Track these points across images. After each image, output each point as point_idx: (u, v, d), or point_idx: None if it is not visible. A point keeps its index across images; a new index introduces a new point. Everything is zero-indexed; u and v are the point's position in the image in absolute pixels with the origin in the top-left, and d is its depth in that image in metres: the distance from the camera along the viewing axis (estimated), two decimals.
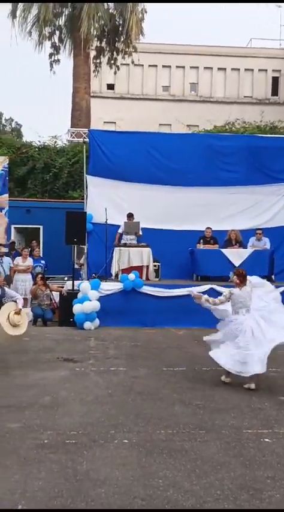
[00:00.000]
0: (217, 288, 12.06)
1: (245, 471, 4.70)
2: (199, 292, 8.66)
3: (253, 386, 7.48)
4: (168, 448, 5.19)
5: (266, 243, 14.33)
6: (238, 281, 7.98)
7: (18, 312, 8.71)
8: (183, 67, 35.73)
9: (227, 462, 4.89)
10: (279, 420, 6.14)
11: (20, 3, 22.52)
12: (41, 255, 15.44)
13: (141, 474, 4.59)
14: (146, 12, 23.66)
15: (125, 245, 13.72)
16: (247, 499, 4.19)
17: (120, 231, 14.06)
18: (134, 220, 13.94)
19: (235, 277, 8.10)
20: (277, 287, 12.98)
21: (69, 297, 12.55)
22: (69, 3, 22.62)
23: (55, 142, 20.37)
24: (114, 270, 13.44)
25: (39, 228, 17.03)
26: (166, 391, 7.17)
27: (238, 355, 7.47)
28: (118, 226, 14.05)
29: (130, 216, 14.01)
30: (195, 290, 8.24)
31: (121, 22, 23.19)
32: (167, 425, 5.83)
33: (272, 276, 14.02)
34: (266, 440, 5.49)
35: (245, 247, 14.15)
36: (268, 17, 62.07)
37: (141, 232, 13.91)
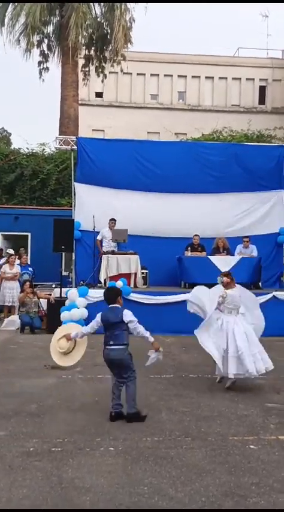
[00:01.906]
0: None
1: (231, 478, 4.71)
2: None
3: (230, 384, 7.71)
4: (153, 455, 5.19)
5: (253, 251, 14.43)
6: (228, 280, 8.06)
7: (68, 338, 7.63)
8: (171, 76, 35.92)
9: (212, 469, 4.90)
10: (265, 427, 6.17)
11: (8, 11, 22.56)
12: (29, 262, 15.41)
13: (127, 481, 4.59)
14: (134, 21, 23.80)
15: (113, 252, 13.75)
16: (231, 505, 4.20)
17: (99, 237, 14.08)
18: (117, 226, 14.00)
19: (224, 278, 8.15)
20: (264, 294, 13.18)
21: (57, 305, 12.53)
22: (57, 12, 22.70)
23: (43, 149, 20.40)
24: (102, 277, 13.46)
25: (27, 235, 17.00)
26: (153, 398, 7.18)
27: (234, 356, 7.62)
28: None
29: (112, 220, 14.07)
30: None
31: (109, 31, 23.31)
32: (153, 433, 5.83)
33: (260, 283, 14.13)
34: (252, 447, 5.51)
35: (232, 254, 14.24)
36: (255, 27, 62.67)
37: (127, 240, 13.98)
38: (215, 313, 7.98)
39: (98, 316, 6.56)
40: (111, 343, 6.34)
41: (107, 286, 12.84)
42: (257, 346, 7.90)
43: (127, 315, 6.38)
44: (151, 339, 6.47)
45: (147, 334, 6.46)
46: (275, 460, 5.15)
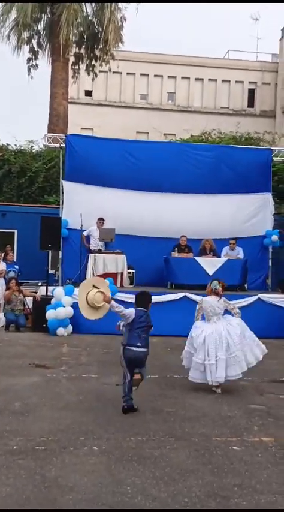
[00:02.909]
0: (190, 296, 12.15)
1: (214, 479, 4.74)
2: None
3: (219, 391, 7.70)
4: (137, 455, 5.20)
5: (239, 253, 14.50)
6: (220, 291, 8.11)
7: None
8: (161, 76, 35.97)
9: (195, 470, 4.92)
10: (248, 428, 6.21)
11: None
12: (15, 259, 15.33)
13: (110, 481, 4.59)
14: (125, 20, 23.83)
15: (100, 251, 13.75)
16: (214, 506, 4.22)
17: (86, 233, 14.07)
18: (104, 226, 14.00)
19: (221, 288, 8.19)
20: (249, 296, 13.26)
21: (43, 303, 12.49)
22: (48, 9, 22.62)
23: (31, 146, 20.32)
24: (88, 276, 13.43)
25: (14, 232, 16.91)
26: (137, 398, 7.16)
27: (201, 364, 7.69)
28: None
29: (101, 220, 14.07)
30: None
31: (100, 29, 23.28)
32: (137, 433, 5.84)
33: (245, 285, 14.20)
34: (235, 448, 5.54)
35: (219, 256, 14.30)
36: (245, 30, 62.88)
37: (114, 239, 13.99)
38: (195, 327, 8.04)
39: (133, 312, 6.77)
40: (139, 344, 6.65)
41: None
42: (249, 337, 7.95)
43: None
44: None
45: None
46: (258, 462, 5.19)
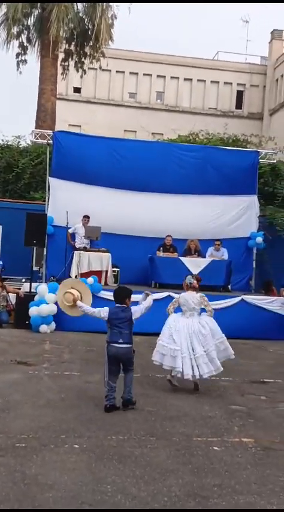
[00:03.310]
0: (174, 296, 12.14)
1: (193, 478, 4.76)
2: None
3: (175, 382, 7.80)
4: (118, 454, 5.21)
5: (224, 254, 14.58)
6: (196, 285, 8.15)
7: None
8: (150, 75, 35.96)
9: (176, 469, 4.94)
10: (229, 429, 6.24)
11: None
12: None
13: (90, 479, 4.59)
14: (116, 18, 23.78)
15: (85, 249, 13.73)
16: (193, 506, 4.24)
17: (71, 231, 14.04)
18: (90, 223, 13.98)
19: (195, 281, 8.23)
20: (233, 297, 13.34)
21: (26, 299, 12.44)
22: (39, 4, 22.50)
23: (18, 142, 20.17)
24: (73, 273, 13.42)
25: None
26: (119, 397, 7.18)
27: (168, 349, 7.71)
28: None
29: (86, 217, 14.05)
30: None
31: (90, 26, 23.22)
32: (118, 431, 5.85)
33: (229, 286, 14.28)
34: (215, 448, 5.57)
35: (203, 256, 14.35)
36: (235, 32, 63.18)
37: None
38: (171, 317, 8.07)
39: (105, 311, 6.91)
40: (121, 341, 6.74)
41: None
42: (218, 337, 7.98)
43: (133, 310, 6.90)
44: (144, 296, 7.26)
45: (142, 304, 7.12)
46: (237, 462, 5.22)
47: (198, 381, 7.87)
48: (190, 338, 7.80)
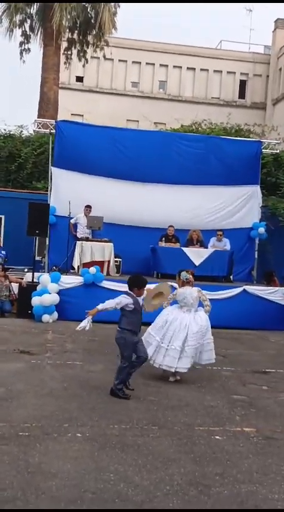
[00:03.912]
0: (176, 286, 12.16)
1: (195, 467, 4.80)
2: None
3: (178, 377, 7.79)
4: (120, 442, 5.25)
5: (226, 244, 14.57)
6: (191, 280, 8.13)
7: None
8: (153, 64, 35.81)
9: (178, 458, 4.98)
10: (230, 418, 6.28)
11: None
12: (2, 245, 15.26)
13: (93, 468, 4.64)
14: (119, 6, 23.65)
15: (87, 239, 13.73)
16: (195, 494, 4.28)
17: (73, 221, 14.04)
18: (92, 213, 13.98)
19: (191, 276, 8.22)
20: (235, 287, 13.36)
21: (29, 289, 12.47)
22: None
23: (21, 131, 20.11)
24: (75, 263, 13.44)
25: (1, 217, 16.80)
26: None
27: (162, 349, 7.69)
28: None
29: (88, 207, 14.04)
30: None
31: (93, 15, 23.09)
32: (120, 420, 5.89)
33: (231, 277, 14.29)
34: (217, 437, 5.61)
35: (206, 247, 14.36)
36: (238, 20, 62.66)
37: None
38: (166, 309, 8.09)
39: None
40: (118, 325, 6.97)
41: (80, 272, 12.86)
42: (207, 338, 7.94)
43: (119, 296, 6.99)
44: (98, 306, 7.11)
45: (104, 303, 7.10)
46: (239, 451, 5.26)
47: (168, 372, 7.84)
48: (176, 331, 7.76)
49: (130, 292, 7.00)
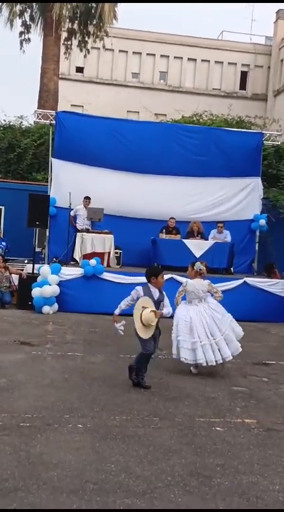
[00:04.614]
0: (177, 278, 12.18)
1: (196, 458, 4.81)
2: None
3: (196, 371, 7.84)
4: (121, 433, 5.25)
5: (227, 236, 14.55)
6: (204, 271, 8.14)
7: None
8: (154, 55, 35.64)
9: (179, 449, 4.99)
10: (231, 410, 6.29)
11: None
12: (2, 236, 15.25)
13: (94, 459, 4.64)
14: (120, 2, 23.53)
15: (87, 231, 13.71)
16: (196, 485, 4.29)
17: (72, 213, 14.00)
18: (92, 205, 13.95)
19: (204, 268, 8.22)
20: (235, 279, 13.35)
21: (29, 280, 12.47)
22: None
23: (21, 122, 20.05)
24: (76, 255, 13.44)
25: (1, 208, 16.78)
26: (122, 377, 7.23)
27: (188, 343, 7.69)
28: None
29: (87, 198, 14.01)
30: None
31: (94, 5, 22.95)
32: (122, 411, 5.89)
33: (231, 269, 14.28)
34: (218, 429, 5.61)
35: (206, 239, 14.34)
36: (240, 11, 62.40)
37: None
38: (180, 310, 8.04)
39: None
40: None
41: (80, 264, 12.85)
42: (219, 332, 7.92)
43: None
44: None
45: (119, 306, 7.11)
46: (240, 443, 5.26)
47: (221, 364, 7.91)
48: (207, 324, 7.79)
49: (147, 283, 7.02)
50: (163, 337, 7.60)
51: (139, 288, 6.97)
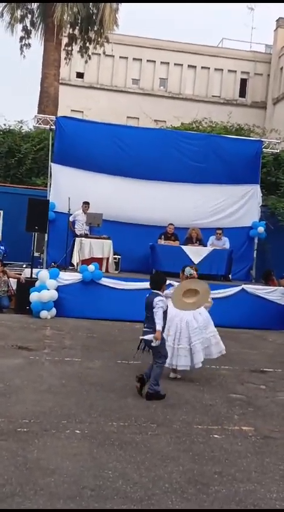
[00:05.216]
0: (175, 284, 12.17)
1: (194, 466, 4.80)
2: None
3: (178, 376, 7.83)
4: (119, 440, 5.25)
5: (225, 243, 14.56)
6: (195, 275, 8.15)
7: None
8: (154, 61, 35.72)
9: (176, 456, 4.98)
10: (229, 417, 6.28)
11: None
12: (0, 240, 15.23)
13: (92, 465, 4.63)
14: (121, 4, 23.60)
15: (86, 236, 13.71)
16: (194, 493, 4.29)
17: (71, 219, 14.00)
18: (91, 210, 13.95)
19: (195, 272, 8.24)
20: (233, 286, 13.36)
21: (27, 285, 12.44)
22: None
23: (21, 127, 20.08)
24: (74, 260, 13.43)
25: (0, 212, 16.77)
26: (119, 383, 7.23)
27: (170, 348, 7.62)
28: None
29: (86, 203, 14.02)
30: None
31: (95, 11, 23.03)
32: (119, 418, 5.89)
33: (229, 276, 14.29)
34: (216, 436, 5.61)
35: (205, 245, 14.35)
36: (240, 19, 62.64)
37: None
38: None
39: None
40: (145, 325, 6.94)
41: (78, 269, 12.85)
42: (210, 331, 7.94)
43: (156, 300, 6.82)
44: (157, 328, 6.74)
45: (157, 322, 6.76)
46: (237, 450, 5.26)
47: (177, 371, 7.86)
48: (179, 329, 7.76)
49: (159, 292, 7.01)
50: None
51: (163, 298, 6.96)
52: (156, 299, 6.82)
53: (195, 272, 8.24)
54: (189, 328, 7.74)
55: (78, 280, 12.57)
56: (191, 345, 7.70)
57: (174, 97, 35.66)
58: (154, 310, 6.76)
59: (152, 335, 6.74)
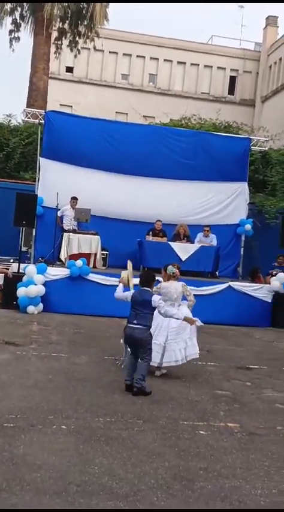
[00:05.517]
0: (160, 279, 12.21)
1: (180, 462, 4.83)
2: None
3: (163, 371, 7.87)
4: (105, 435, 5.26)
5: (213, 240, 14.63)
6: (177, 274, 8.16)
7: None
8: (144, 57, 35.64)
9: (162, 452, 5.01)
10: (214, 414, 6.32)
11: None
12: None
13: (78, 460, 4.64)
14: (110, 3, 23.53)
15: (74, 231, 13.69)
16: (179, 488, 4.31)
17: (59, 214, 13.98)
18: (79, 205, 13.93)
19: (177, 271, 8.23)
20: (220, 283, 13.42)
21: (14, 280, 12.41)
22: None
23: (9, 121, 19.94)
24: (62, 255, 13.40)
25: None
26: (106, 379, 7.25)
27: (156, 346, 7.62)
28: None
29: (74, 199, 13.99)
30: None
31: (85, 5, 22.93)
32: (106, 413, 5.90)
33: (216, 273, 14.35)
34: (201, 432, 5.65)
35: (192, 242, 14.39)
36: (230, 16, 62.65)
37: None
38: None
39: (130, 294, 7.21)
40: (135, 322, 6.88)
41: (66, 265, 12.84)
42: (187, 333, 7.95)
43: (155, 301, 6.93)
44: (181, 317, 7.31)
45: (174, 313, 7.26)
46: (223, 447, 5.30)
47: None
48: (159, 326, 7.79)
49: (149, 289, 7.15)
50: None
51: (159, 296, 7.38)
52: (155, 299, 6.95)
53: (177, 270, 8.23)
54: (168, 326, 7.78)
55: (66, 276, 12.55)
56: (165, 343, 7.73)
57: (163, 93, 35.62)
58: (161, 312, 7.04)
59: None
